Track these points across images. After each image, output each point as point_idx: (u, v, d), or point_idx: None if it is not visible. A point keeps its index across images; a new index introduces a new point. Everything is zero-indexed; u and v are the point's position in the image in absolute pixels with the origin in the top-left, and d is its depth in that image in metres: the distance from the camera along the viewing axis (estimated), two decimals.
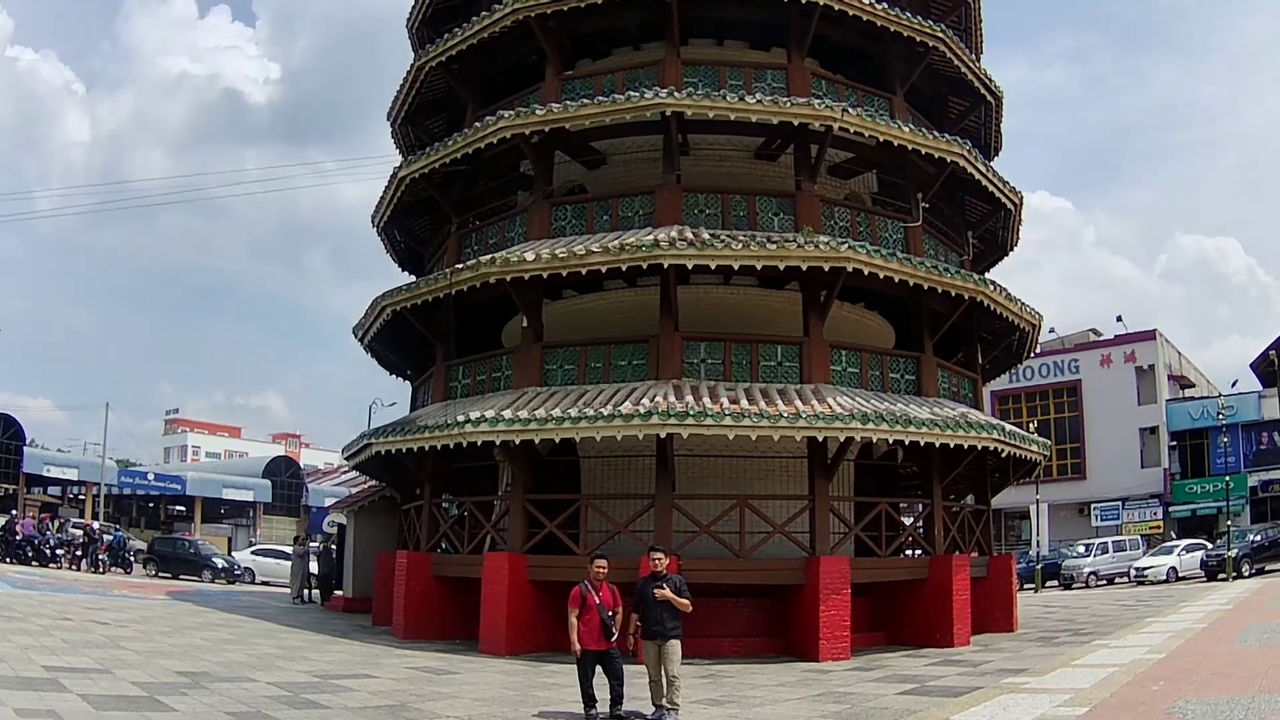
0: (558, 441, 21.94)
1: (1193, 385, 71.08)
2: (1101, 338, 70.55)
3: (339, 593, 34.73)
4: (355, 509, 33.95)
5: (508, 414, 21.49)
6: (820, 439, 21.59)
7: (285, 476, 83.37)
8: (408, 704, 14.99)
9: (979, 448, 23.50)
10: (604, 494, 23.71)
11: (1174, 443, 64.34)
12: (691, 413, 20.40)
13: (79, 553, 45.40)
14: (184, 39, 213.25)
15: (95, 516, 65.65)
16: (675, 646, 14.12)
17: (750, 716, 14.74)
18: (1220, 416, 54.97)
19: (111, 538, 48.04)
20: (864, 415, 21.10)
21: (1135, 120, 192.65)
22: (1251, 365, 68.59)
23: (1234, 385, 64.93)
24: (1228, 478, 54.47)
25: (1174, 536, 58.16)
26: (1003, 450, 24.49)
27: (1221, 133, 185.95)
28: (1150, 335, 66.81)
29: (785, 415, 20.71)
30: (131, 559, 47.49)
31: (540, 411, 21.39)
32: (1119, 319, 73.47)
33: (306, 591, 36.97)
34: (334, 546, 38.03)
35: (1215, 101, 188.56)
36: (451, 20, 27.76)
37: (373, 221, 30.43)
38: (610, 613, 14.32)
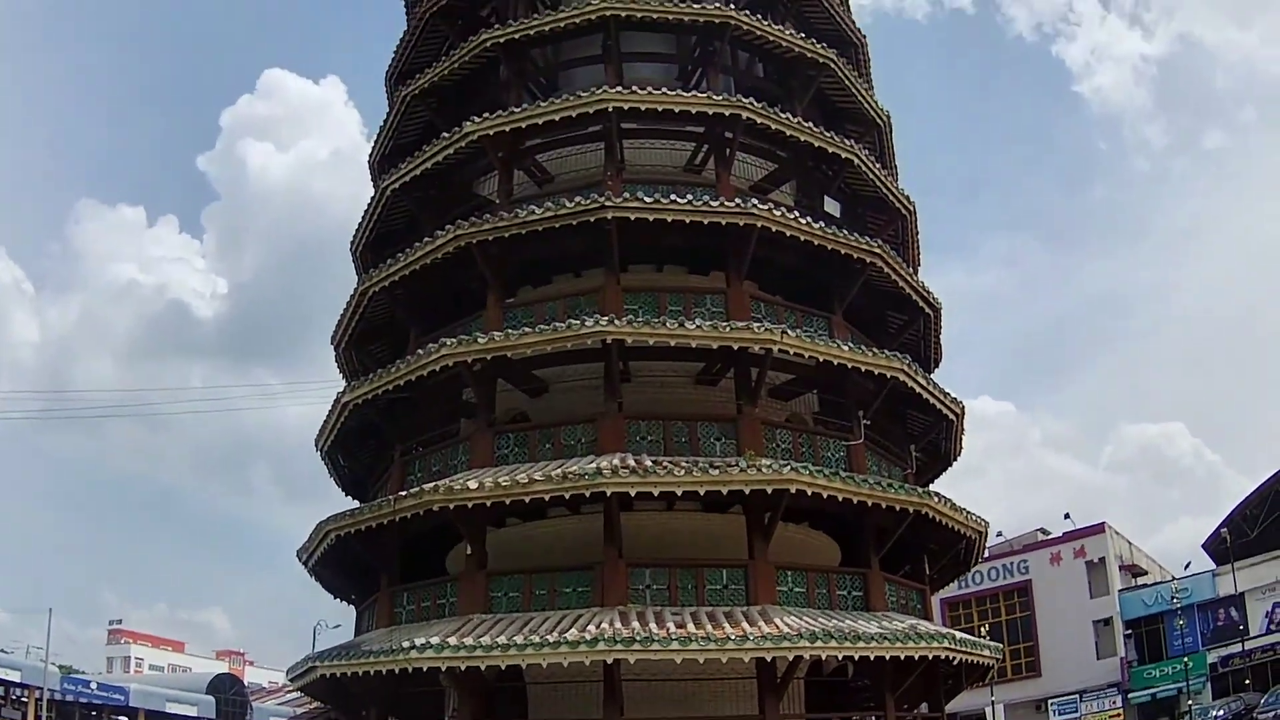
0: (504, 668, 21.85)
1: (1145, 573, 71.25)
2: (1050, 536, 70.84)
3: None
4: None
5: (453, 640, 21.43)
6: (769, 659, 21.63)
7: (229, 694, 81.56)
8: None
9: (930, 657, 23.52)
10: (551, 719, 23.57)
11: (1129, 631, 64.23)
12: (638, 638, 20.45)
13: None
14: (132, 247, 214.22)
15: None
16: None
17: None
18: (1175, 600, 55.21)
19: None
20: (811, 634, 21.19)
21: (1073, 315, 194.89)
22: (1204, 545, 69.39)
23: (1187, 567, 65.32)
24: (1186, 659, 54.65)
25: None
26: (954, 658, 24.49)
27: (1160, 317, 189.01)
28: (1099, 529, 67.24)
29: (732, 638, 20.78)
30: None
31: (486, 639, 21.35)
32: (1067, 516, 73.57)
33: None
34: None
35: (1151, 286, 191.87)
36: (395, 245, 28.33)
37: (316, 445, 30.48)
38: None
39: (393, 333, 29.80)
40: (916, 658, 23.21)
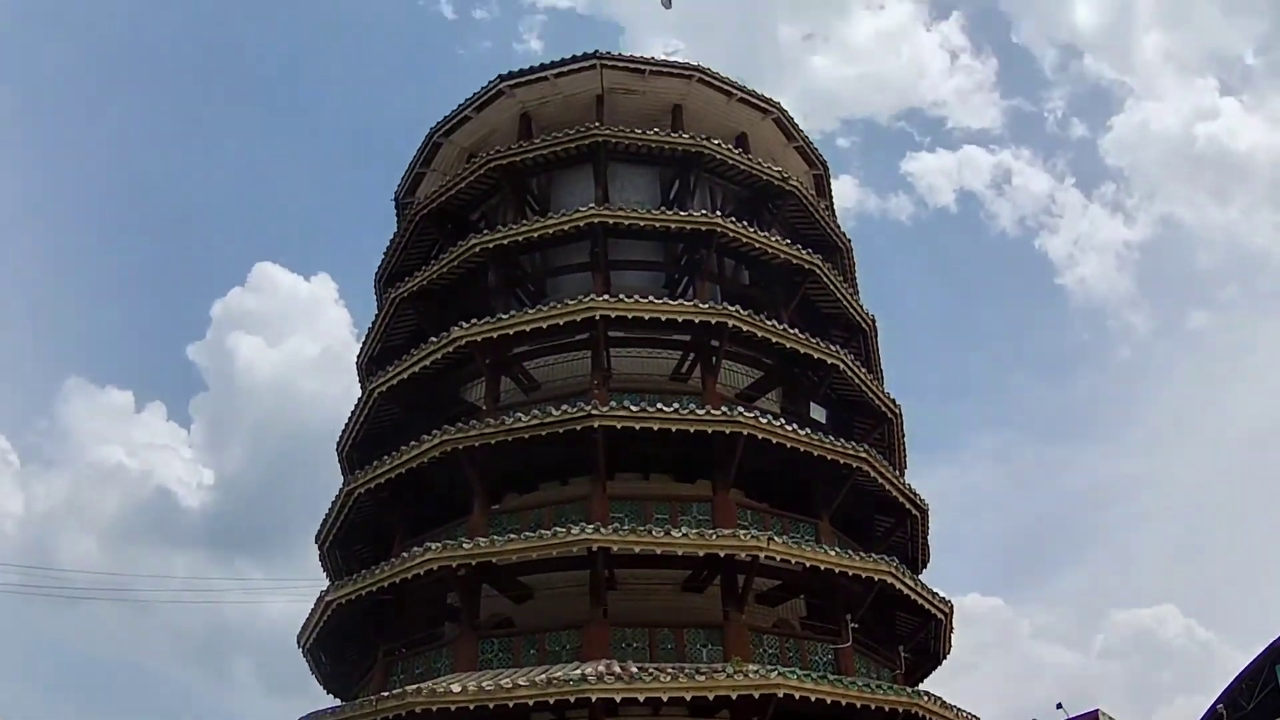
0: None
1: None
2: None
3: None
4: None
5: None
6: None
7: None
8: None
9: None
10: None
11: None
12: None
13: None
14: (120, 430, 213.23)
15: None
16: None
17: None
18: None
19: None
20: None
21: (1060, 508, 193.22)
22: None
23: None
24: None
25: None
26: None
27: (1148, 504, 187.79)
28: (1093, 716, 66.10)
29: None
30: None
31: None
32: (1059, 706, 72.29)
33: None
34: None
35: (1138, 475, 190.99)
36: (382, 447, 28.12)
37: (299, 642, 29.98)
38: None
39: (377, 534, 29.48)
40: None
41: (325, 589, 27.59)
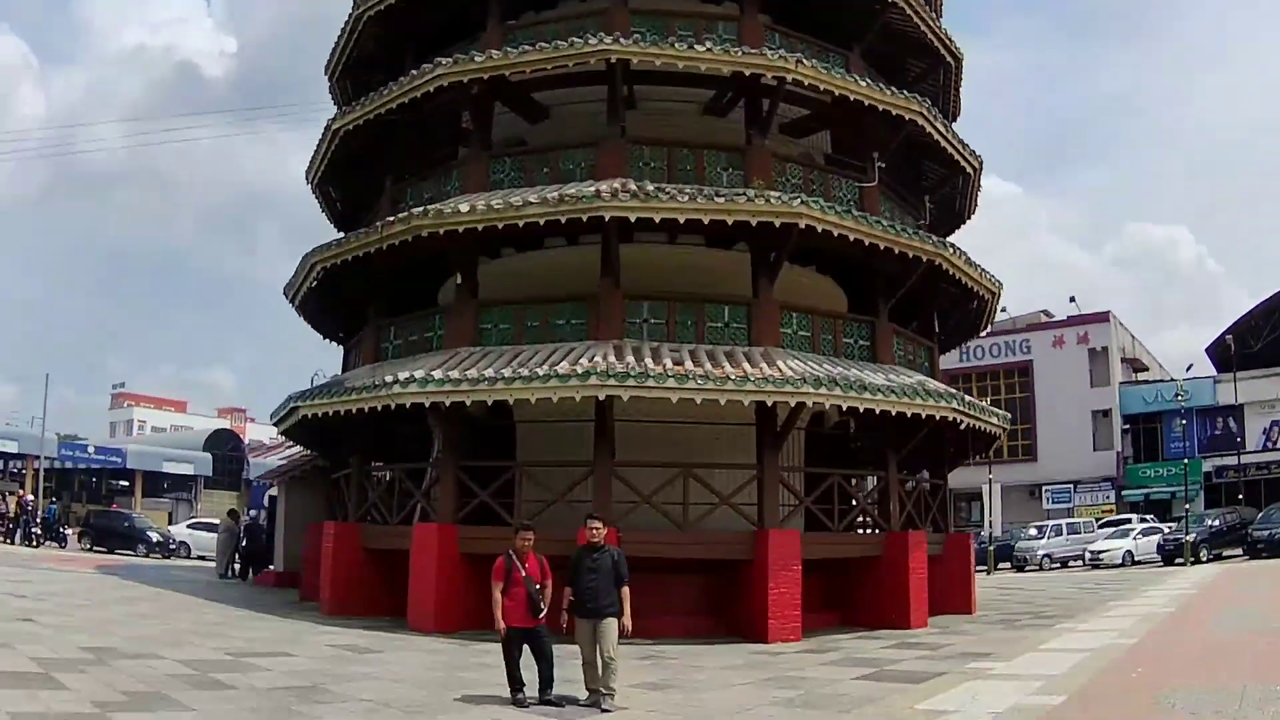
0: (490, 404, 20.46)
1: (1146, 369, 70.28)
2: (1054, 319, 69.44)
3: (271, 567, 33.22)
4: (286, 479, 32.38)
5: (438, 374, 20.08)
6: (770, 404, 20.22)
7: (226, 450, 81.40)
8: (321, 685, 13.63)
9: (937, 418, 22.21)
10: (539, 461, 22.27)
11: (1127, 426, 63.80)
12: (633, 374, 19.01)
13: (12, 525, 43.61)
14: (137, 11, 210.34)
15: (36, 491, 64.01)
16: (611, 626, 12.82)
17: (695, 704, 13.34)
18: (1179, 399, 53.98)
19: (46, 511, 46.48)
20: (816, 380, 19.82)
21: (1087, 107, 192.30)
22: (1207, 349, 68.01)
23: (1189, 369, 63.99)
24: (1186, 461, 53.63)
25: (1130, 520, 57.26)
26: (961, 422, 23.28)
27: (1175, 122, 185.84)
28: (1104, 317, 65.81)
29: (733, 379, 19.36)
30: (66, 532, 45.95)
31: (472, 372, 19.97)
32: (1072, 299, 72.21)
33: (234, 567, 35.26)
34: (259, 523, 36.88)
35: (1169, 90, 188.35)
36: None
37: (307, 178, 28.80)
38: (538, 586, 13.01)
39: (389, 62, 27.36)
40: (924, 417, 21.92)
41: (333, 116, 26.03)
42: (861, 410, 21.13)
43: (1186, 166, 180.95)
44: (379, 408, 21.21)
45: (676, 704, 13.28)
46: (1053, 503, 62.35)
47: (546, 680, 13.00)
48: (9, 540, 42.81)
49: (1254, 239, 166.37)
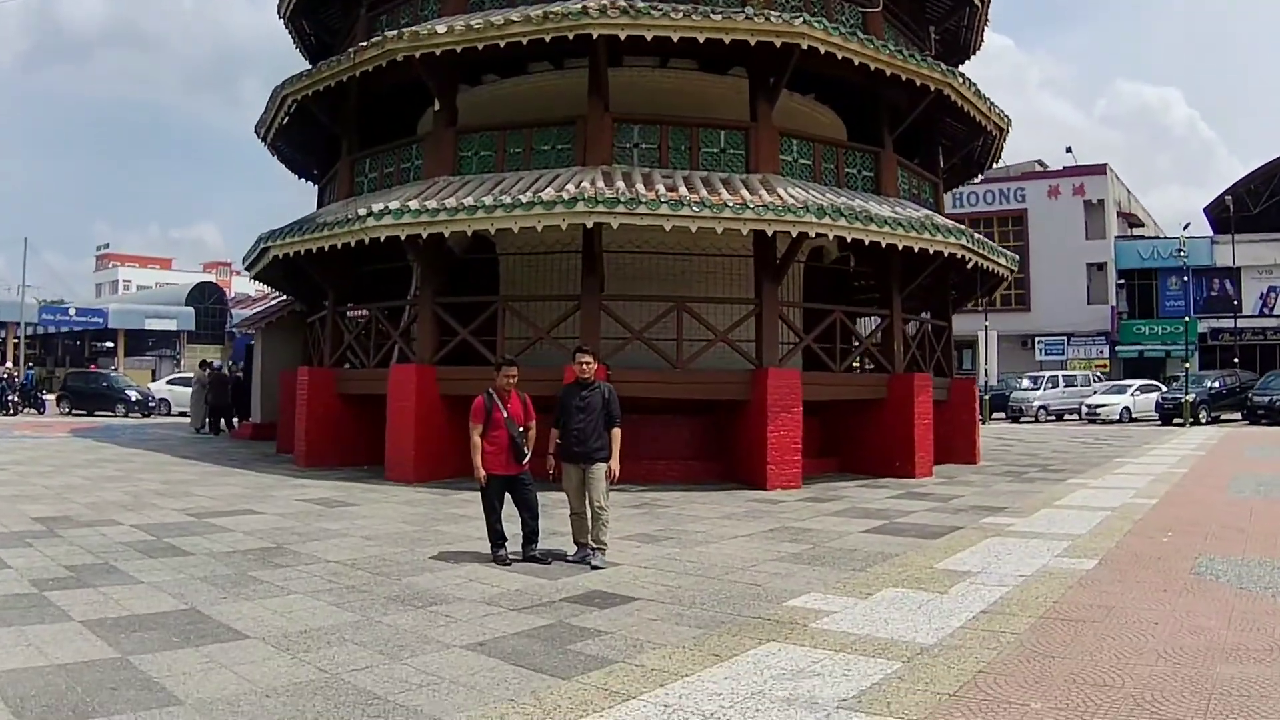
0: (470, 234, 18.99)
1: (1141, 225, 68.99)
2: (1048, 169, 67.83)
3: (250, 419, 31.91)
4: (263, 326, 30.82)
5: (414, 205, 18.45)
6: (770, 234, 18.74)
7: (209, 303, 79.71)
8: (285, 545, 12.38)
9: (945, 255, 20.69)
10: (524, 296, 20.86)
11: (1122, 281, 62.77)
12: (623, 200, 17.43)
13: None
14: None
15: (18, 359, 62.81)
16: (600, 472, 11.53)
17: (694, 558, 12.00)
18: (1180, 254, 52.55)
19: (24, 377, 45.12)
20: (820, 209, 18.24)
21: None
22: (1205, 209, 66.75)
23: (1186, 227, 62.47)
24: (1187, 319, 52.45)
25: (1121, 376, 56.90)
26: (969, 260, 21.85)
27: None
28: (1100, 170, 64.16)
29: (730, 205, 17.78)
30: (44, 398, 44.62)
31: (451, 201, 18.33)
32: (1069, 150, 70.80)
33: (208, 421, 33.88)
34: (224, 374, 35.50)
35: None
36: None
37: (278, 11, 26.95)
38: (521, 429, 11.64)
39: None
40: (931, 253, 20.40)
41: None
42: (867, 243, 19.50)
43: (1181, 27, 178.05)
44: (352, 244, 19.64)
45: (673, 558, 11.97)
46: (1046, 354, 61.62)
47: (530, 533, 11.73)
48: None
49: (1245, 107, 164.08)
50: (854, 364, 23.07)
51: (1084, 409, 48.12)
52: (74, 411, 44.03)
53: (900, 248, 19.85)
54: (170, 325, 74.34)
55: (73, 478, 19.15)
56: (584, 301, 19.07)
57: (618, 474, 11.67)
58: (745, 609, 9.33)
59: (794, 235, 18.70)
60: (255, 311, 37.86)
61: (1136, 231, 66.97)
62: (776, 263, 19.74)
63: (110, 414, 43.67)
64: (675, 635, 8.36)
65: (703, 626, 8.66)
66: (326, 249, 20.27)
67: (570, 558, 11.67)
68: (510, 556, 11.50)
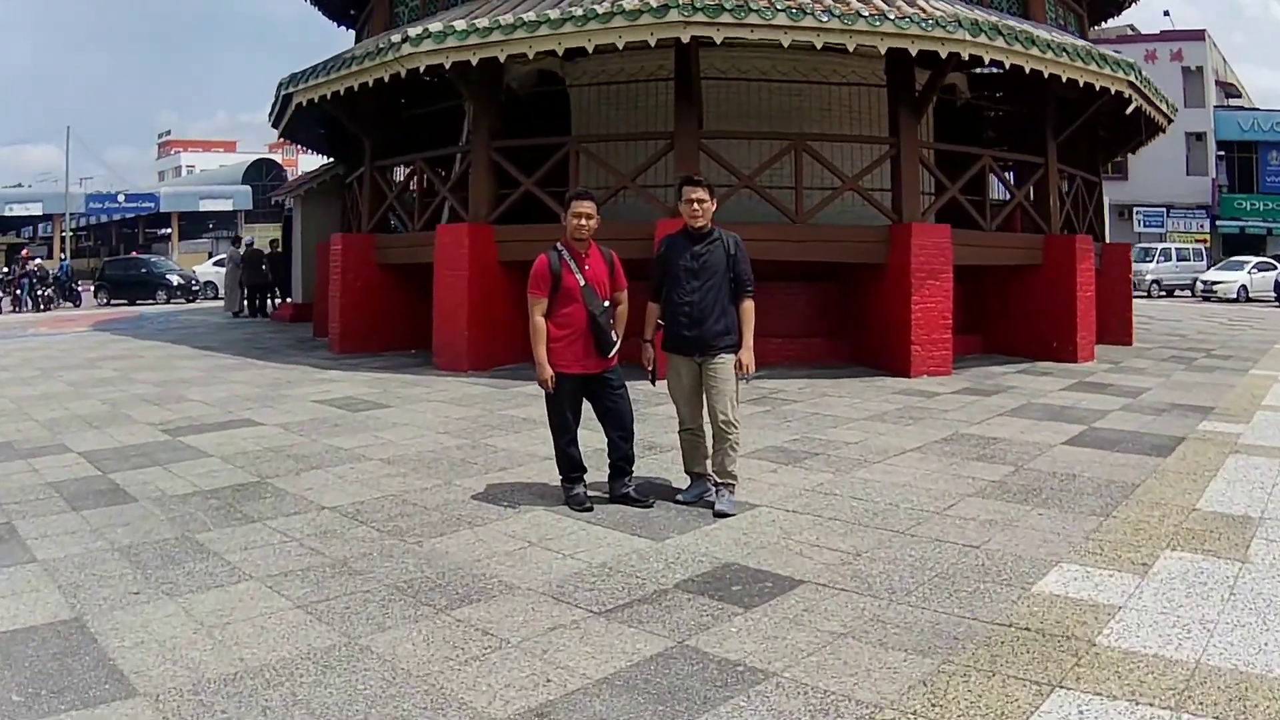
0: (532, 58, 14.39)
1: (1239, 94, 63.63)
2: (1141, 34, 62.30)
3: (289, 299, 27.86)
4: (303, 194, 26.39)
5: (460, 25, 14.03)
6: (913, 53, 14.06)
7: (267, 180, 73.24)
8: (270, 479, 8.49)
9: (1112, 92, 16.09)
10: (601, 135, 16.51)
11: (1221, 153, 57.55)
12: (728, 6, 12.94)
13: (18, 291, 38.22)
14: None
15: (64, 251, 59.48)
16: (726, 367, 7.48)
17: (858, 492, 7.91)
18: None
19: (59, 269, 41.21)
20: (974, 24, 13.70)
21: None
22: None
23: None
24: None
25: (1221, 252, 52.63)
26: (1132, 103, 17.15)
27: None
28: (1199, 35, 58.64)
29: (865, 16, 13.24)
30: (79, 289, 40.66)
31: (507, 17, 13.92)
32: (1166, 13, 65.11)
33: (245, 303, 29.70)
34: (257, 249, 31.46)
35: None
36: None
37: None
38: (605, 304, 7.53)
39: None
40: (1097, 88, 15.77)
41: None
42: (1028, 70, 14.72)
43: None
44: (387, 79, 15.20)
45: (828, 492, 7.86)
46: (1145, 226, 56.93)
47: (621, 460, 7.63)
48: (18, 308, 37.15)
49: None
50: (1006, 221, 18.65)
51: (1199, 285, 43.64)
52: (113, 302, 40.06)
53: (1064, 79, 15.20)
54: (226, 205, 68.68)
55: (56, 383, 15.03)
56: (678, 139, 14.62)
57: (752, 368, 7.48)
58: (978, 604, 5.35)
59: (943, 56, 14.10)
60: (295, 180, 32.92)
61: (1234, 102, 61.62)
62: (916, 95, 15.33)
63: (151, 301, 39.88)
64: (884, 675, 4.44)
65: (924, 650, 4.69)
66: (357, 89, 15.89)
67: (681, 497, 7.62)
68: (590, 497, 7.46)
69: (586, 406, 7.56)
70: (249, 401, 12.72)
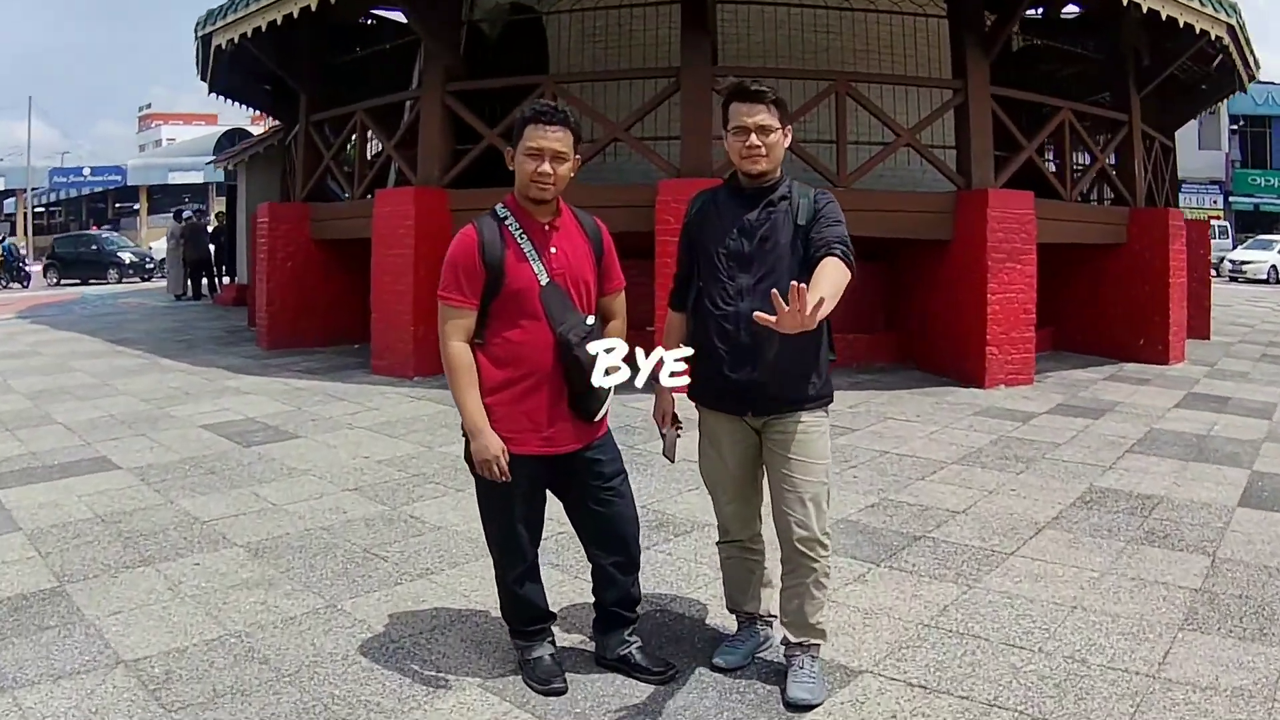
0: None
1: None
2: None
3: (234, 280, 24.29)
4: (246, 159, 22.57)
5: None
6: None
7: None
8: (65, 589, 5.00)
9: (1211, 36, 12.64)
10: (585, 74, 12.92)
11: (1234, 127, 54.77)
12: None
13: None
14: None
15: (26, 228, 56.30)
16: (810, 440, 3.87)
17: (1021, 640, 4.37)
18: None
19: (3, 249, 37.54)
20: None
21: None
22: None
23: None
24: None
25: (1235, 229, 50.17)
26: (1224, 50, 13.66)
27: None
28: None
29: None
30: (27, 269, 36.99)
31: None
32: None
33: (190, 284, 25.82)
34: (198, 224, 27.50)
35: None
36: None
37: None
38: (588, 320, 3.81)
39: None
40: (1197, 30, 12.31)
41: None
42: (1125, 3, 11.33)
43: None
44: (314, 7, 11.60)
45: (973, 645, 4.32)
46: None
47: (620, 604, 4.09)
48: None
49: None
50: (1087, 190, 15.19)
51: (1226, 264, 40.54)
52: (63, 281, 36.58)
53: (1164, 17, 11.67)
54: (197, 178, 64.42)
55: None
56: (685, 77, 11.01)
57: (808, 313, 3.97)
58: None
59: None
60: (240, 145, 28.54)
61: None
62: (986, 28, 11.82)
63: (103, 281, 36.39)
64: None
65: None
66: (280, 21, 12.31)
67: (721, 659, 4.11)
68: (555, 682, 3.91)
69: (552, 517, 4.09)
70: (121, 426, 9.18)
